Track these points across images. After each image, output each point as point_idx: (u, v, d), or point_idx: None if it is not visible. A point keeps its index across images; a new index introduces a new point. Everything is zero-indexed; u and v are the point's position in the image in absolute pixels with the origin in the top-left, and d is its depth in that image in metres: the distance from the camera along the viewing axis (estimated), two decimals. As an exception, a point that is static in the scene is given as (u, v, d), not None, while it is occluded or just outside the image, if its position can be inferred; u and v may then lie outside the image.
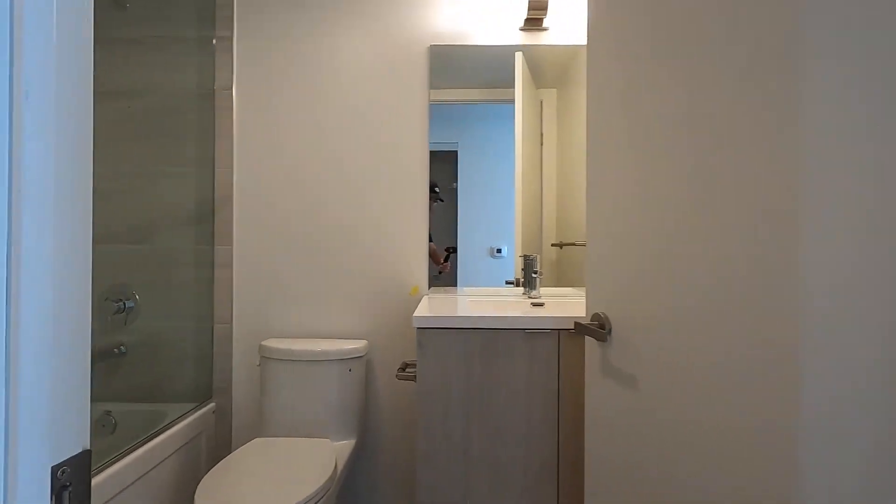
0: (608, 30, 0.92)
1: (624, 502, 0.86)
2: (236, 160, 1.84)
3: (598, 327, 0.94)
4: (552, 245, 1.87)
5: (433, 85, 1.84)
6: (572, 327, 1.20)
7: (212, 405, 1.79)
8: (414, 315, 1.29)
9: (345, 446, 1.61)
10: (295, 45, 1.84)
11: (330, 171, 1.84)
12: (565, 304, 1.64)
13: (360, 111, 1.84)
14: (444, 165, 1.86)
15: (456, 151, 1.86)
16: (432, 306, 1.47)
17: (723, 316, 0.63)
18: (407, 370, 1.45)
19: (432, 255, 1.84)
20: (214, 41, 1.82)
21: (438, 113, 1.85)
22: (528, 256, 1.74)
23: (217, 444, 1.81)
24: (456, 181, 1.86)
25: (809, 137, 0.50)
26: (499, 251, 1.86)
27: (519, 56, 1.82)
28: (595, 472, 0.97)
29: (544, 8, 1.73)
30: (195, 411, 1.70)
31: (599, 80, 0.95)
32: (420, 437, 1.29)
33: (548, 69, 1.85)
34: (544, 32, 1.82)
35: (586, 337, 0.99)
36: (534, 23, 1.78)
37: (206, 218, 1.83)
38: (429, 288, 1.83)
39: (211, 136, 1.82)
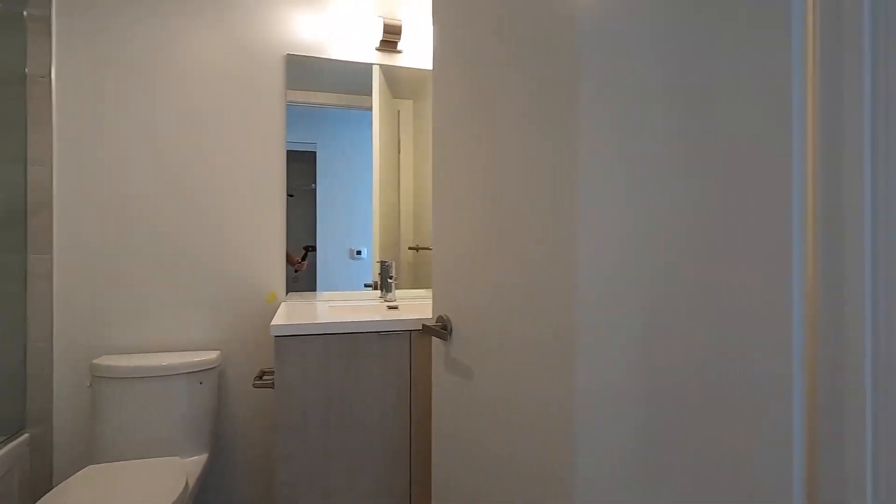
0: (446, 64, 1.06)
1: (464, 477, 1.00)
2: (57, 157, 1.63)
3: (441, 328, 1.08)
4: (409, 248, 2.00)
5: (292, 85, 1.84)
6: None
7: (25, 437, 1.57)
8: (271, 324, 1.32)
9: (196, 462, 1.55)
10: (131, 33, 1.69)
11: (175, 170, 1.74)
12: (418, 305, 1.80)
13: (210, 110, 1.77)
14: (302, 165, 1.86)
15: (315, 152, 1.87)
16: (290, 313, 1.51)
17: (526, 310, 0.78)
18: (264, 378, 1.46)
19: (288, 258, 1.86)
20: (26, 16, 1.59)
21: (297, 113, 1.85)
22: (385, 262, 1.86)
23: (33, 481, 1.59)
24: (315, 182, 1.88)
25: (580, 168, 0.67)
26: (358, 253, 1.92)
27: (376, 69, 1.92)
28: (440, 455, 1.11)
29: (398, 33, 1.87)
30: (2, 446, 1.47)
31: (440, 102, 1.08)
32: (279, 442, 1.33)
33: (404, 82, 1.98)
34: (399, 54, 1.95)
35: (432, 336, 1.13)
36: (389, 45, 1.91)
37: (16, 223, 1.58)
38: (287, 293, 1.84)
39: (22, 129, 1.58)
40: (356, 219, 1.92)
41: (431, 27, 1.11)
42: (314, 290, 1.87)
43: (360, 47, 1.90)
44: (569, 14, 0.68)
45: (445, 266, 1.08)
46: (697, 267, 0.50)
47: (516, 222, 0.81)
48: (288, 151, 1.85)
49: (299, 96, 1.85)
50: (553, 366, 0.72)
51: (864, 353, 0.38)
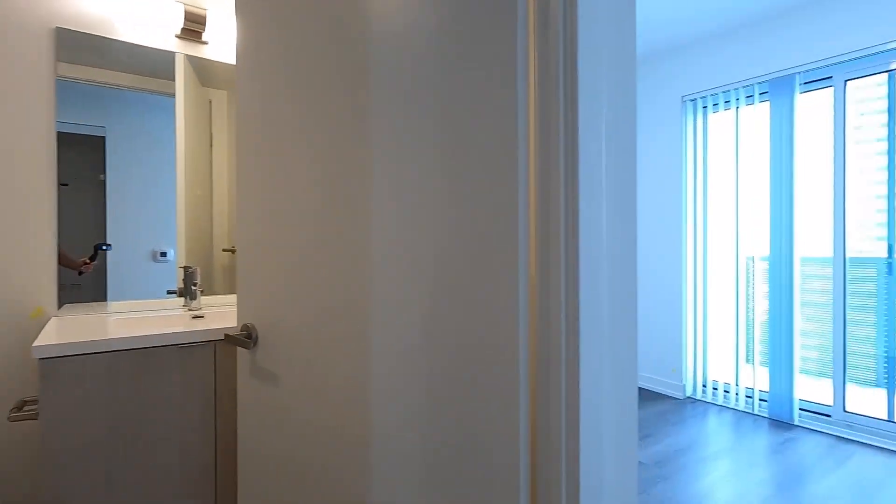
0: (248, 59, 1.04)
1: (271, 481, 1.02)
2: None
3: (245, 337, 1.06)
4: (224, 250, 1.87)
5: (71, 59, 1.57)
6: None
7: None
8: (34, 345, 1.12)
9: (-80, 524, 1.24)
10: None
11: None
12: (227, 313, 1.71)
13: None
14: (86, 151, 1.59)
15: (104, 137, 1.62)
16: (63, 329, 1.30)
17: (326, 312, 0.84)
18: (26, 409, 1.24)
19: (63, 260, 1.58)
20: None
21: (80, 91, 1.58)
22: (188, 268, 1.72)
23: None
24: (104, 171, 1.63)
25: (374, 184, 0.74)
26: (163, 255, 1.73)
27: (180, 54, 1.75)
28: (246, 458, 1.09)
29: (202, 23, 1.74)
30: None
31: (244, 96, 1.06)
32: (44, 483, 1.14)
33: (218, 70, 1.83)
34: (205, 45, 1.81)
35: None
36: (192, 34, 1.76)
37: None
38: (59, 306, 1.57)
39: None
40: (160, 216, 1.72)
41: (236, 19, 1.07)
42: (104, 299, 1.63)
43: (157, 32, 1.71)
44: (360, 27, 0.76)
45: (250, 272, 1.06)
46: (457, 270, 0.62)
47: (309, 226, 0.86)
48: (65, 134, 1.57)
49: (85, 73, 1.58)
50: (353, 360, 0.79)
51: (560, 352, 0.53)
